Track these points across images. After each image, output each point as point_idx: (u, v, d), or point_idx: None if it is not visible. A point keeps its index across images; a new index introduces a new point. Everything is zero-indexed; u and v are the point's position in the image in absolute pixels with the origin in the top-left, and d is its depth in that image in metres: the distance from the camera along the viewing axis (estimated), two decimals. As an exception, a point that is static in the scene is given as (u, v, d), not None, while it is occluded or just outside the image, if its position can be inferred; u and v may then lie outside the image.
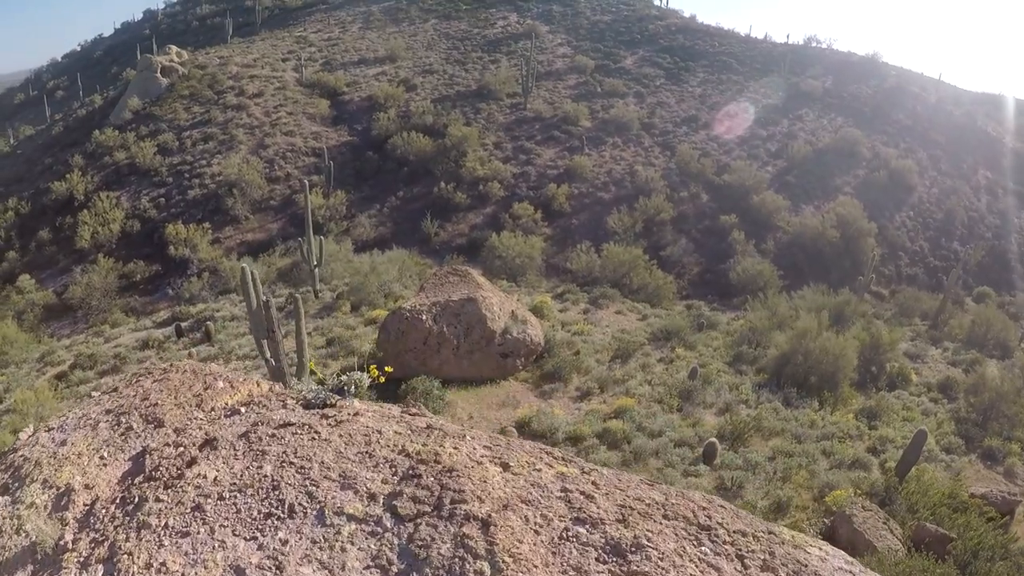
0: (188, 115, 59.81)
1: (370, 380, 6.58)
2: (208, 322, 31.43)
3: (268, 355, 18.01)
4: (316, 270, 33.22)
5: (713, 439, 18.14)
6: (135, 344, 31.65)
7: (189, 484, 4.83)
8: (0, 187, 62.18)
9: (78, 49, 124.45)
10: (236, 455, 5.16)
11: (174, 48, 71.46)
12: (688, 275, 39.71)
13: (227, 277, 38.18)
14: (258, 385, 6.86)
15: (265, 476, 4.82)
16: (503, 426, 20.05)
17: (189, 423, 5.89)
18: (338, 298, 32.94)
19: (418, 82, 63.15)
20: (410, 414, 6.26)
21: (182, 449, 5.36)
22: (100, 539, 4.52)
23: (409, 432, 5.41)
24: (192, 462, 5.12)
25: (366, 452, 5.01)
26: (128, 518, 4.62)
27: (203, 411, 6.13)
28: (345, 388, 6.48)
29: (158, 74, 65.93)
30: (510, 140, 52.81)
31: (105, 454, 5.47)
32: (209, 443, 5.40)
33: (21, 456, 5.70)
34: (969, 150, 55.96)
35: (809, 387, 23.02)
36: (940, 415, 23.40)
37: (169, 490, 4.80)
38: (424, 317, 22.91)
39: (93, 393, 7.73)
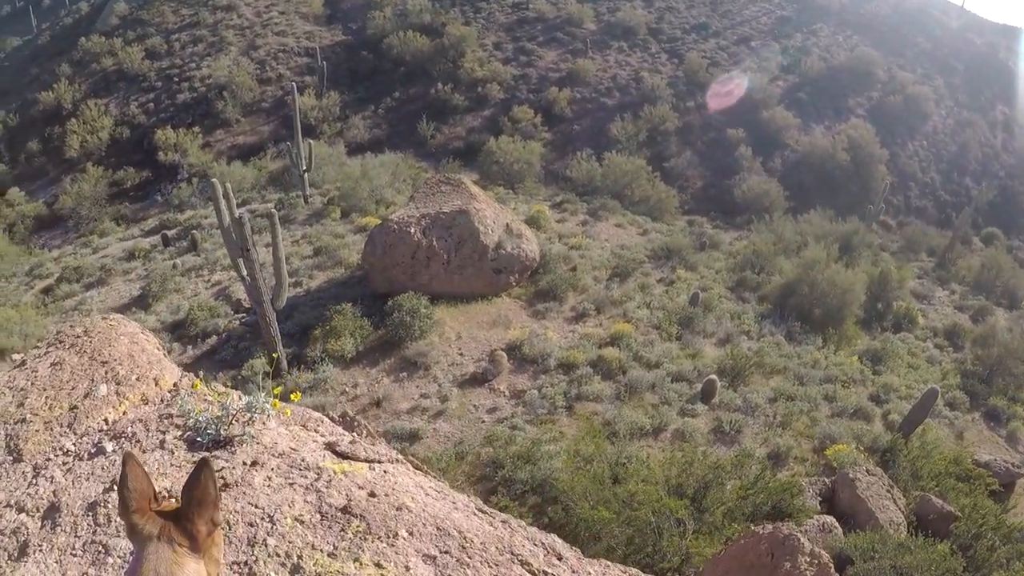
0: (176, 18, 58.29)
1: (275, 414, 5.60)
2: (194, 231, 30.71)
3: (244, 273, 17.30)
4: (306, 175, 32.19)
5: (713, 376, 17.46)
6: (122, 255, 31.18)
7: None
8: None
9: None
10: (74, 548, 4.29)
11: None
12: (691, 189, 38.59)
13: (211, 187, 37.65)
14: (156, 384, 6.02)
15: None
16: (493, 348, 19.36)
17: (49, 459, 5.11)
18: (328, 204, 32.06)
19: (415, -23, 60.60)
20: (336, 452, 5.28)
21: (22, 519, 4.54)
22: None
23: (318, 519, 4.35)
24: (24, 550, 4.32)
25: (244, 564, 4.01)
26: None
27: (72, 436, 5.31)
28: (254, 408, 5.40)
29: None
30: (511, 41, 51.03)
31: None
32: (51, 512, 4.59)
33: None
34: (988, 83, 53.48)
35: (813, 321, 22.35)
36: (945, 365, 22.79)
37: None
38: (412, 230, 21.98)
39: (14, 356, 7.04)
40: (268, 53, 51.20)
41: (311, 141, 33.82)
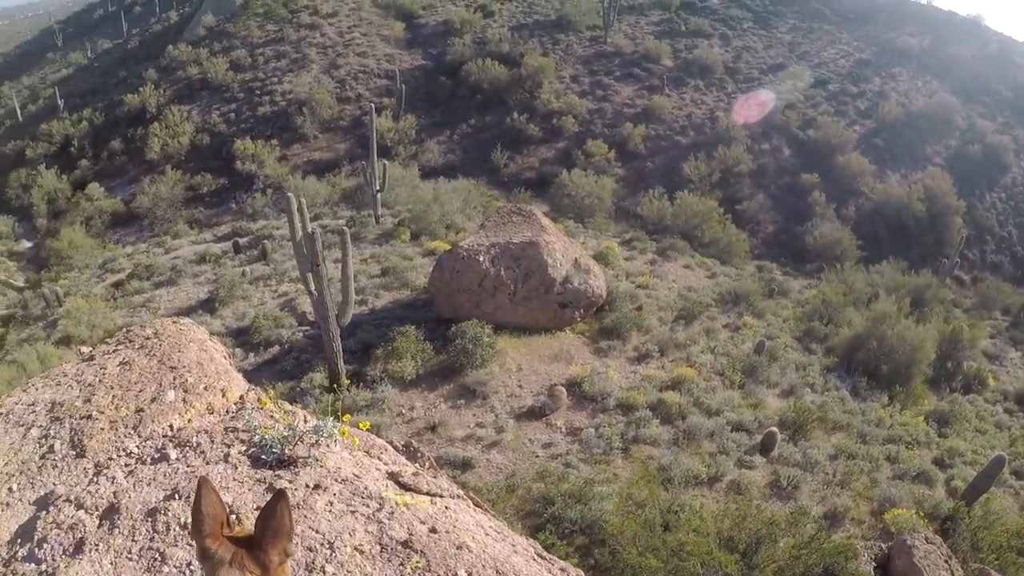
0: (261, 33, 59.82)
1: (342, 443, 5.55)
2: (266, 241, 31.23)
3: (312, 288, 17.54)
4: (379, 195, 32.62)
5: (773, 428, 17.17)
6: (193, 257, 31.83)
7: None
8: (76, 98, 63.62)
9: None
10: (130, 552, 4.29)
11: None
12: (762, 233, 38.18)
13: (286, 200, 38.49)
14: (223, 395, 6.06)
15: None
16: (553, 383, 19.32)
17: (112, 459, 5.17)
18: (399, 225, 32.38)
19: (496, 8, 61.50)
20: (399, 483, 5.23)
21: (80, 516, 4.57)
22: None
23: (378, 550, 4.31)
24: (79, 547, 4.33)
25: None
26: None
27: (137, 438, 5.39)
28: (320, 431, 5.36)
29: None
30: (588, 74, 51.18)
31: (14, 487, 4.96)
32: (110, 513, 4.60)
33: None
34: (1073, 136, 52.27)
35: (880, 377, 21.89)
36: (1015, 431, 22.12)
37: None
38: (481, 258, 22.05)
39: (83, 349, 7.14)
40: (348, 73, 52.11)
41: (386, 162, 34.22)
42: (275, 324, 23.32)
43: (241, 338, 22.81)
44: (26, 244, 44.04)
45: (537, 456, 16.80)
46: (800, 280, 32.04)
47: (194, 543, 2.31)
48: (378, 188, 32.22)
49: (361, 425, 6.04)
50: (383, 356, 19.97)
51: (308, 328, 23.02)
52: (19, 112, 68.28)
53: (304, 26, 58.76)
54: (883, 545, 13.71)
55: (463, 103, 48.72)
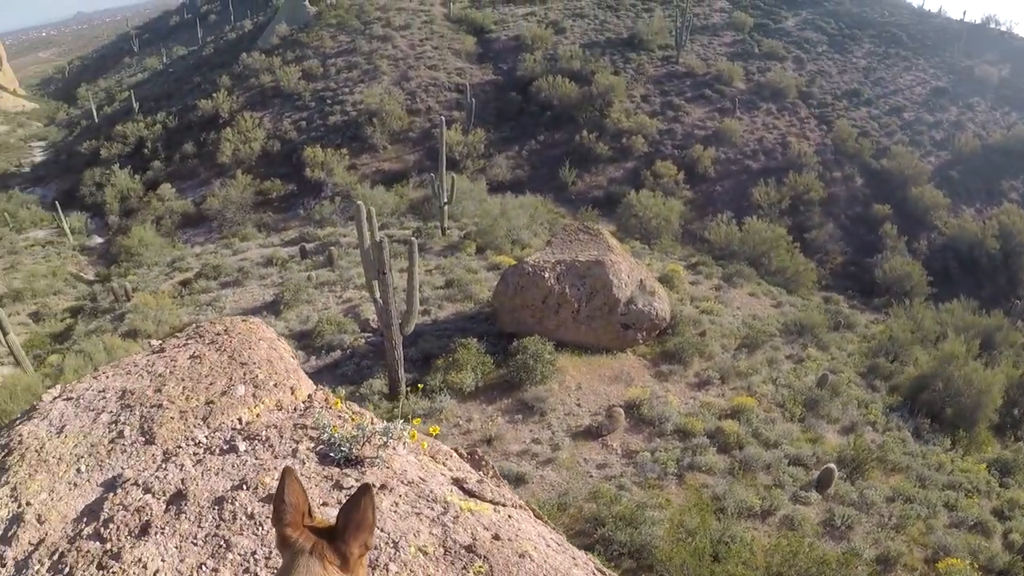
0: (334, 43, 60.88)
1: (412, 447, 5.63)
2: (332, 247, 31.75)
3: (377, 295, 17.80)
4: (446, 207, 32.93)
5: (831, 464, 16.94)
6: (260, 260, 32.44)
7: (124, 572, 4.13)
8: (151, 101, 65.87)
9: None
10: (196, 538, 4.38)
11: None
12: (830, 264, 37.59)
13: (355, 208, 39.32)
14: (292, 393, 6.21)
15: None
16: (611, 404, 19.35)
17: (180, 447, 5.33)
18: (465, 238, 32.66)
19: (567, 25, 61.47)
20: (463, 489, 5.29)
21: (147, 499, 4.69)
22: None
23: (441, 553, 4.33)
24: (145, 529, 4.42)
25: None
26: None
27: (206, 429, 5.56)
28: (389, 433, 5.41)
29: (306, 2, 67.65)
30: (658, 94, 50.95)
31: (82, 468, 5.14)
32: (177, 499, 4.72)
33: (21, 435, 5.59)
34: None
35: (944, 420, 21.38)
36: (1080, 486, 21.48)
37: (102, 572, 4.16)
38: (547, 274, 22.17)
39: (152, 342, 7.40)
40: (419, 85, 52.76)
41: (454, 175, 34.58)
42: (338, 329, 23.76)
43: (304, 341, 23.30)
44: (97, 240, 45.51)
45: (591, 476, 16.87)
46: (867, 314, 31.49)
47: (275, 531, 2.35)
48: (445, 200, 32.54)
49: (432, 430, 6.18)
50: (443, 367, 20.22)
51: (370, 335, 23.36)
52: (95, 113, 70.90)
53: (376, 38, 59.69)
54: (934, 594, 13.53)
55: (532, 119, 48.95)
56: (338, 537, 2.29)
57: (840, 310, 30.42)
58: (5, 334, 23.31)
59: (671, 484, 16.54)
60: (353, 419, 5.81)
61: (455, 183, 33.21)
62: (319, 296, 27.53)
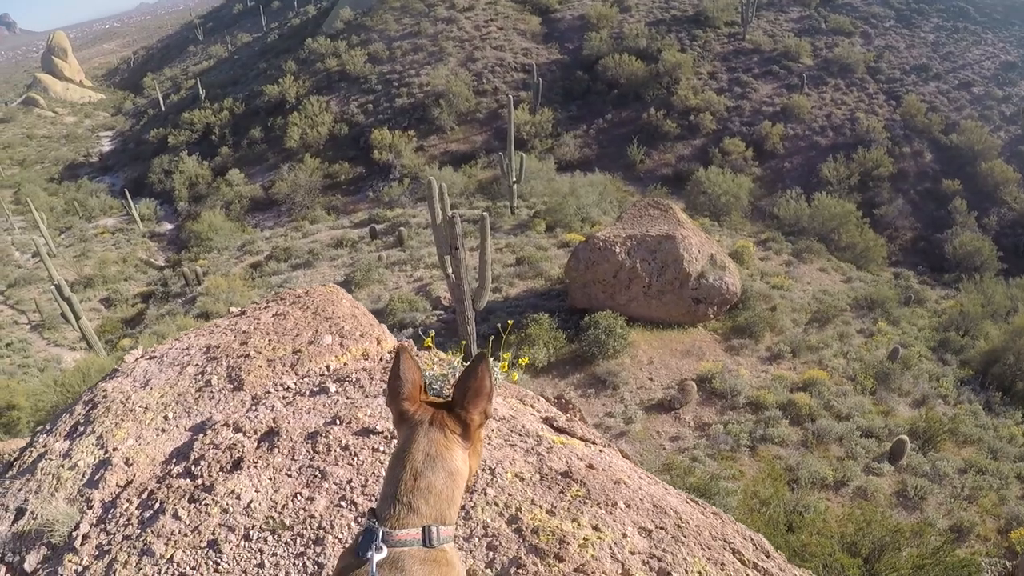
0: (399, 26, 61.44)
1: (503, 376, 5.75)
2: (402, 228, 32.28)
3: (449, 271, 18.15)
4: (515, 186, 33.32)
5: (903, 436, 17.14)
6: (330, 241, 33.10)
7: (217, 503, 4.25)
8: (217, 88, 67.37)
9: None
10: (290, 470, 4.49)
11: None
12: (900, 240, 37.32)
13: (426, 188, 39.80)
14: (378, 343, 6.32)
15: (312, 517, 4.11)
16: (683, 378, 19.69)
17: (269, 392, 5.45)
18: (534, 216, 33.03)
19: (632, 3, 61.06)
20: (553, 427, 5.39)
21: (238, 437, 4.81)
22: (105, 549, 4.15)
23: (537, 479, 4.38)
24: (237, 464, 4.55)
25: (462, 509, 3.97)
26: (139, 531, 4.19)
27: (294, 375, 5.70)
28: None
29: None
30: (725, 71, 50.73)
31: (170, 415, 5.29)
32: (269, 436, 4.83)
33: (105, 390, 5.73)
34: None
35: (1015, 393, 21.28)
36: None
37: (194, 504, 4.29)
38: (617, 249, 22.47)
39: (232, 308, 7.74)
40: (485, 66, 53.17)
41: (523, 154, 34.93)
42: (410, 307, 24.33)
43: (376, 320, 23.78)
44: (167, 226, 47.08)
45: (664, 448, 17.26)
46: (937, 290, 31.31)
47: (391, 409, 2.36)
48: (514, 179, 32.93)
49: (512, 376, 6.21)
50: (516, 342, 20.65)
51: (442, 312, 23.92)
52: (162, 102, 72.94)
53: (441, 20, 60.19)
54: (1007, 564, 13.68)
55: (599, 98, 49.03)
56: (456, 406, 2.31)
57: (910, 285, 30.33)
58: (78, 319, 24.34)
59: (744, 456, 16.87)
60: (441, 363, 5.98)
61: (524, 162, 33.55)
62: (390, 275, 28.11)
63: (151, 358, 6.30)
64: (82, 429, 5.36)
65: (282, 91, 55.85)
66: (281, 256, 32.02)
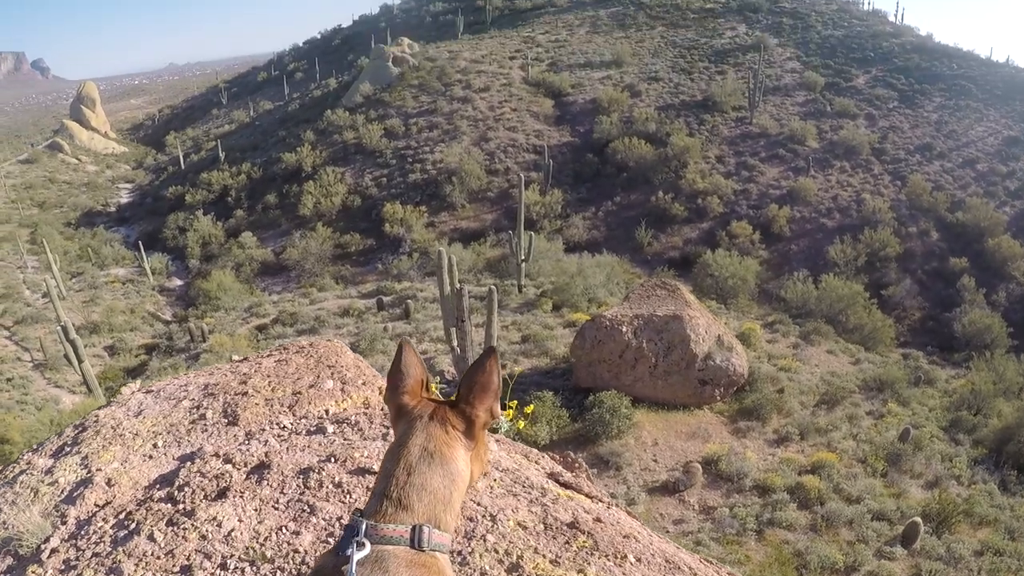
0: (415, 103, 62.74)
1: (508, 426, 5.57)
2: (409, 300, 32.43)
3: (455, 343, 18.10)
4: (523, 265, 33.45)
5: (917, 518, 16.66)
6: (336, 310, 33.28)
7: (196, 529, 4.06)
8: (236, 152, 68.82)
9: (318, 37, 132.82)
10: (277, 503, 4.29)
11: (406, 40, 75.63)
12: (908, 320, 37.12)
13: (435, 260, 40.34)
14: (380, 394, 6.09)
15: (296, 552, 3.91)
16: (688, 460, 19.37)
17: (264, 429, 5.31)
18: (541, 296, 33.04)
19: (643, 88, 62.22)
20: (559, 482, 5.19)
21: (227, 468, 4.63)
22: (72, 564, 3.99)
23: (541, 528, 4.14)
24: (223, 493, 4.35)
25: (458, 553, 3.82)
26: (111, 549, 4.01)
27: (291, 416, 5.56)
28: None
29: (390, 63, 69.73)
30: (733, 155, 51.31)
31: (159, 443, 5.19)
32: (259, 469, 4.64)
33: (97, 416, 5.72)
34: None
35: (1031, 472, 20.90)
36: None
37: (172, 528, 4.10)
38: (624, 328, 22.32)
39: (233, 356, 7.68)
40: (498, 146, 54.00)
41: (532, 233, 35.12)
42: (413, 379, 24.05)
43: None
44: (177, 282, 47.57)
45: (668, 531, 16.82)
46: (948, 369, 30.98)
47: (389, 405, 2.22)
48: (523, 258, 33.07)
49: (518, 424, 5.94)
50: (517, 419, 20.40)
51: (445, 386, 23.66)
52: (182, 160, 75.24)
53: (457, 99, 61.44)
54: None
55: (608, 181, 49.47)
56: (461, 401, 2.14)
57: (920, 365, 30.02)
58: (80, 362, 24.36)
59: (750, 540, 16.46)
60: None
61: (532, 242, 33.73)
62: (394, 346, 28.02)
63: (148, 392, 6.27)
64: (68, 449, 5.31)
65: (299, 159, 57.04)
66: (287, 321, 32.09)
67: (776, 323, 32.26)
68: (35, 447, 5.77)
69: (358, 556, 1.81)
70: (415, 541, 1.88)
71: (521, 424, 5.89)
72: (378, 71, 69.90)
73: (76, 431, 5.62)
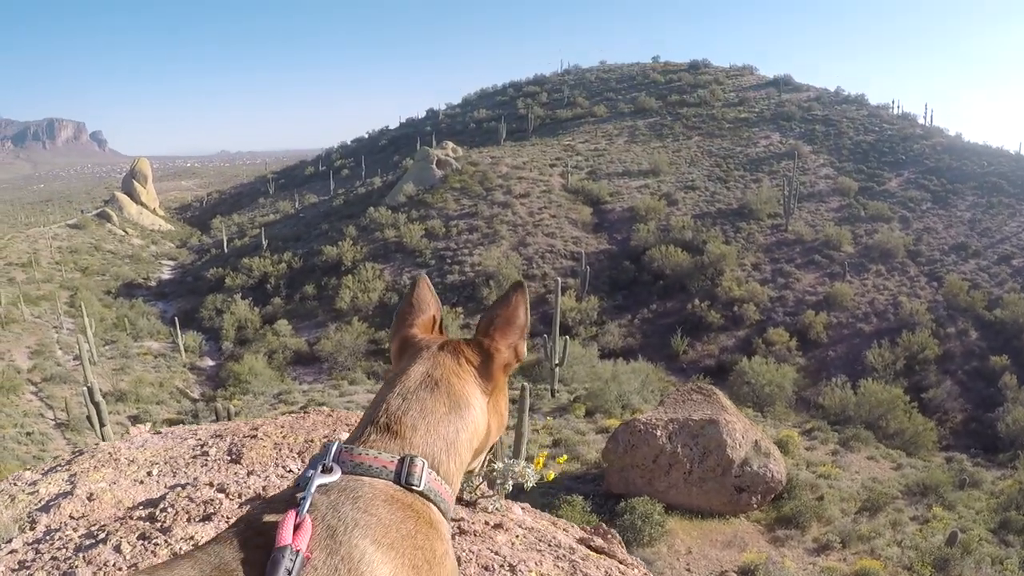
0: (457, 206, 64.31)
1: (537, 477, 5.21)
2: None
3: (485, 442, 17.81)
4: (557, 369, 33.38)
5: (966, 624, 16.15)
6: (366, 404, 32.94)
7: (169, 545, 3.83)
8: (279, 241, 70.91)
9: (365, 136, 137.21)
10: None
11: (450, 144, 78.06)
12: (950, 422, 36.35)
13: None
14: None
15: None
16: (724, 569, 18.93)
17: (268, 469, 5.13)
18: (574, 401, 32.91)
19: (679, 197, 63.31)
20: (589, 546, 4.84)
21: (219, 496, 4.39)
22: (26, 565, 3.87)
23: None
24: (207, 518, 4.13)
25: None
26: (71, 555, 3.84)
27: (300, 462, 5.41)
28: (499, 481, 4.79)
29: (434, 165, 71.62)
30: (769, 262, 51.58)
31: (154, 472, 5.14)
32: (254, 500, 4.37)
33: (98, 444, 5.88)
34: None
35: (1085, 572, 20.19)
36: None
37: (143, 542, 3.89)
38: (659, 433, 22.09)
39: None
40: (536, 251, 54.99)
41: (567, 338, 35.16)
42: (443, 481, 23.88)
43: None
44: (209, 362, 48.13)
45: (706, 641, 16.47)
46: (993, 470, 30.16)
47: (391, 344, 1.88)
48: (557, 362, 33.03)
49: (548, 476, 5.55)
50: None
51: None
52: (225, 244, 77.41)
53: (497, 203, 63.00)
54: None
55: (645, 288, 49.81)
56: (479, 334, 1.80)
57: (964, 468, 29.31)
58: (102, 426, 24.25)
59: (792, 650, 16.03)
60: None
61: (567, 346, 33.75)
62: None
63: (157, 433, 6.37)
64: (59, 468, 5.31)
65: (340, 253, 58.33)
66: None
67: (814, 430, 31.76)
68: (31, 467, 5.80)
69: (322, 480, 1.43)
70: (402, 475, 1.48)
71: (551, 476, 5.52)
72: (422, 172, 71.84)
73: (74, 455, 5.66)
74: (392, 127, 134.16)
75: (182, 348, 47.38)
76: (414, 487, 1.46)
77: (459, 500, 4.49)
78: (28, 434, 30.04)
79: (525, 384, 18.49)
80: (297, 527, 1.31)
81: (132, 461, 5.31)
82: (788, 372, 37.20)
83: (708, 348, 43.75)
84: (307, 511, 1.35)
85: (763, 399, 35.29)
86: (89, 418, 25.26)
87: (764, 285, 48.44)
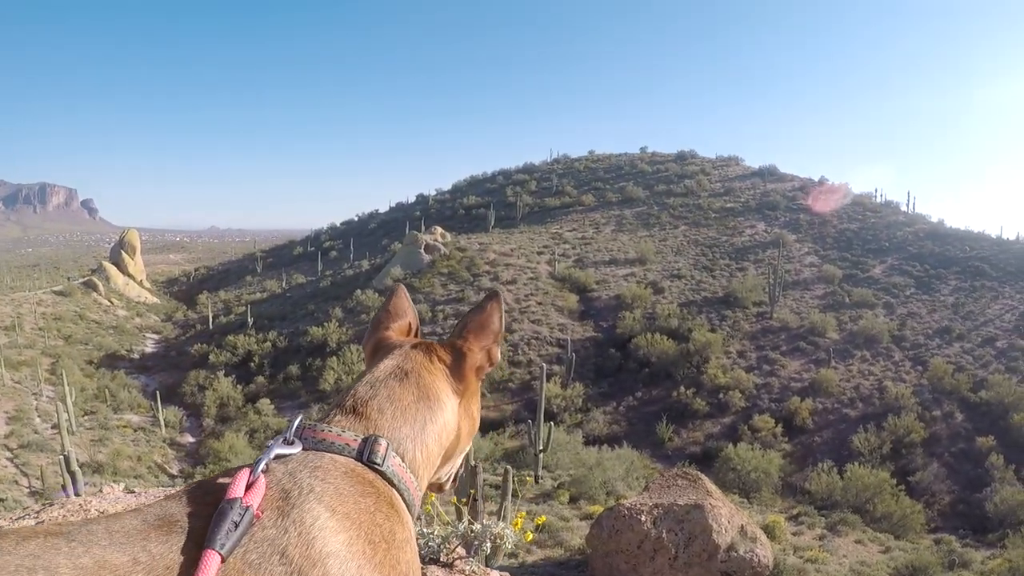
0: (444, 291, 64.60)
1: (516, 539, 5.08)
2: (426, 480, 32.10)
3: (465, 522, 17.78)
4: (540, 455, 33.26)
5: None
6: None
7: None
8: (264, 319, 71.01)
9: (355, 219, 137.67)
10: None
11: (439, 229, 78.54)
12: (938, 504, 36.19)
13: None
14: None
15: None
16: (713, 653, 18.78)
17: None
18: (558, 487, 32.68)
19: (665, 285, 63.79)
20: None
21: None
22: None
23: None
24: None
25: None
26: None
27: None
28: (476, 543, 4.77)
29: (422, 250, 72.20)
30: (754, 349, 51.70)
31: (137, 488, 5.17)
32: None
33: (69, 496, 5.72)
34: None
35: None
36: None
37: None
38: (643, 518, 21.92)
39: None
40: (522, 338, 54.74)
41: (551, 424, 35.12)
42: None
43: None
44: (189, 438, 47.12)
45: None
46: (982, 550, 30.07)
47: (365, 347, 1.91)
48: (541, 448, 32.97)
49: (527, 537, 5.35)
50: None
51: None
52: (211, 320, 76.62)
53: (484, 289, 62.21)
54: None
55: (630, 375, 49.76)
56: (453, 336, 1.85)
57: (953, 549, 29.21)
58: (77, 495, 24.04)
59: None
60: (445, 524, 5.61)
61: (552, 433, 33.72)
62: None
63: (131, 492, 6.48)
64: (28, 516, 5.38)
65: (325, 334, 58.02)
66: (295, 489, 31.76)
67: (801, 515, 31.63)
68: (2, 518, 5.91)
69: (282, 450, 1.44)
70: (363, 453, 1.50)
71: (529, 536, 5.61)
72: (410, 256, 72.28)
73: (43, 506, 5.75)
74: (382, 211, 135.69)
75: (162, 423, 46.82)
76: (376, 465, 1.48)
77: (435, 561, 4.65)
78: (1, 500, 29.76)
79: (507, 468, 18.58)
80: (250, 486, 1.33)
81: (102, 513, 5.39)
82: (774, 458, 37.06)
83: (694, 435, 43.58)
84: (262, 472, 1.38)
85: (749, 485, 35.15)
86: (64, 487, 25.18)
87: (750, 372, 48.45)
